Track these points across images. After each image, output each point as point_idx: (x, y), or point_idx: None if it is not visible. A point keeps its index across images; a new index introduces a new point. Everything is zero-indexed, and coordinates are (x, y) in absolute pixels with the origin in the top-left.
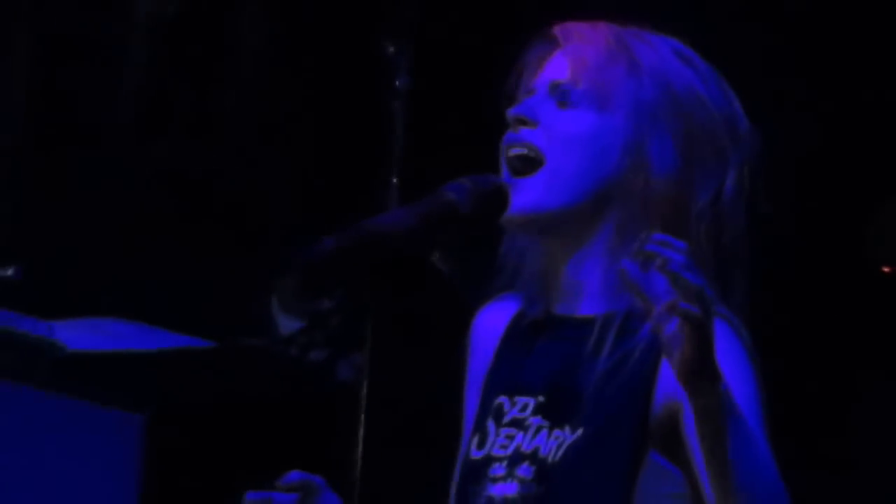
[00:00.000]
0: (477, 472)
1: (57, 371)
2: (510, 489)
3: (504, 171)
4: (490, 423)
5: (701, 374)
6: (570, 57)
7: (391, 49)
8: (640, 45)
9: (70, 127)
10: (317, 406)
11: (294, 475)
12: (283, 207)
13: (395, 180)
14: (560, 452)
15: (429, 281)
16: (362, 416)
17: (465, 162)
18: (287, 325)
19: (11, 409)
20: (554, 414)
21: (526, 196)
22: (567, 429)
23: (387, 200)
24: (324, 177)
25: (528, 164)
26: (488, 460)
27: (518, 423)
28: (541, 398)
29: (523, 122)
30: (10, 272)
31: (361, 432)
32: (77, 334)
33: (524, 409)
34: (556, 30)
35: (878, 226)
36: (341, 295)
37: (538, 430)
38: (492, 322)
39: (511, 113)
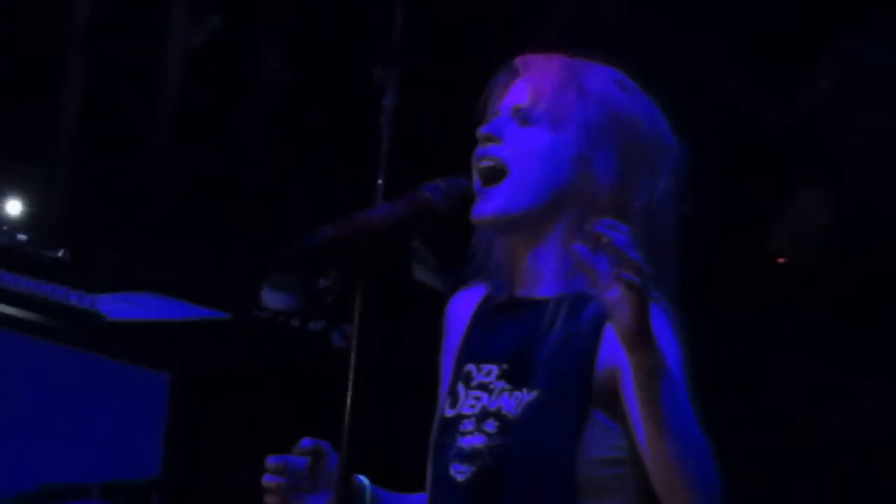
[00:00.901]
0: (450, 427)
1: (98, 336)
2: (477, 440)
3: (476, 179)
4: (461, 387)
5: (639, 333)
6: (529, 84)
7: (379, 73)
8: (586, 75)
9: (115, 130)
10: (314, 368)
11: (306, 441)
12: (289, 202)
13: (380, 181)
14: (519, 410)
15: (408, 264)
16: (351, 378)
17: (439, 166)
18: (280, 300)
19: (58, 367)
20: (515, 378)
21: (494, 202)
22: (525, 390)
23: (374, 197)
24: (322, 177)
25: (495, 174)
26: (459, 418)
27: (484, 387)
28: (504, 366)
29: (491, 139)
30: (61, 254)
31: (350, 391)
32: (116, 306)
33: (488, 374)
34: (518, 61)
35: (775, 224)
36: (335, 275)
37: (501, 392)
38: (463, 305)
39: (481, 131)
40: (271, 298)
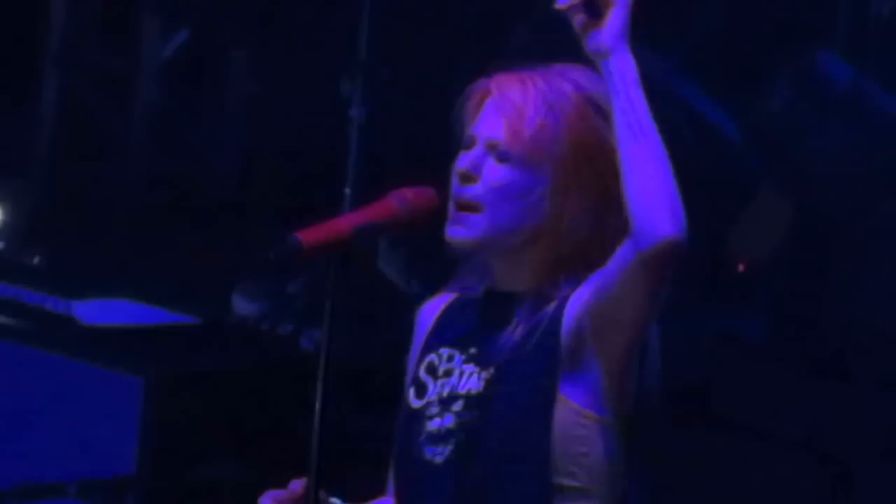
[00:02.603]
0: (418, 416)
1: (73, 341)
2: (447, 421)
3: (451, 208)
4: (427, 377)
5: (618, 35)
6: (504, 117)
7: (347, 86)
8: (559, 98)
9: (89, 140)
10: (284, 370)
11: (294, 485)
12: (261, 210)
13: (348, 190)
14: (485, 386)
15: (375, 269)
16: (321, 378)
17: (405, 176)
18: (249, 307)
19: (35, 371)
20: (483, 361)
21: (467, 229)
22: (491, 369)
23: (342, 206)
24: (294, 186)
25: (471, 210)
26: (427, 405)
27: (449, 373)
28: (472, 350)
29: (468, 178)
30: (36, 260)
31: (320, 391)
32: (90, 311)
33: (450, 359)
34: (490, 82)
35: (736, 231)
36: (305, 279)
37: (470, 374)
38: (431, 312)
39: (458, 167)
40: (242, 305)
